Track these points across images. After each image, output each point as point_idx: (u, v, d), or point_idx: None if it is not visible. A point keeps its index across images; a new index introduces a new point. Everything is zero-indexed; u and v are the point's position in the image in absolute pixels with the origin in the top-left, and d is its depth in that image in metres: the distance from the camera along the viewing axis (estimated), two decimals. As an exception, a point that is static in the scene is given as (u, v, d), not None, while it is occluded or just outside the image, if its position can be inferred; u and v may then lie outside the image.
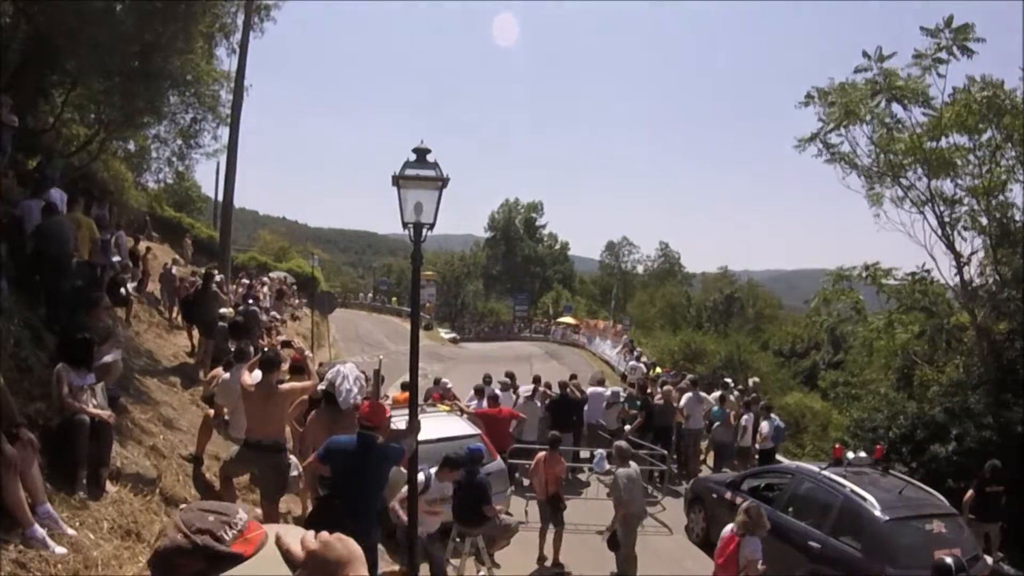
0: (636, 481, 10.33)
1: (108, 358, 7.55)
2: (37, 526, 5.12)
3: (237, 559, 1.73)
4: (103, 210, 16.12)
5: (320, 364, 13.38)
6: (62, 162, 15.29)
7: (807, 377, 42.28)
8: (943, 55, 16.21)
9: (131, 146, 24.02)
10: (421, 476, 7.76)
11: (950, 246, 17.06)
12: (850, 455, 10.81)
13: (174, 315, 17.45)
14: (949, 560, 7.55)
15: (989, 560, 10.03)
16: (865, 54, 17.20)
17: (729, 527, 7.84)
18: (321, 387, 8.58)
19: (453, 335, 57.82)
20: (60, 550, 5.11)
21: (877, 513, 8.92)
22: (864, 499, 9.20)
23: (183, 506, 1.84)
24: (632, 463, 10.53)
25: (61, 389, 6.47)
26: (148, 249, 20.87)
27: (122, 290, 13.21)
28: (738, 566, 7.44)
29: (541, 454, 11.16)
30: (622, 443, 10.97)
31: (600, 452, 13.01)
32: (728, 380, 21.51)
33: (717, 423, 16.40)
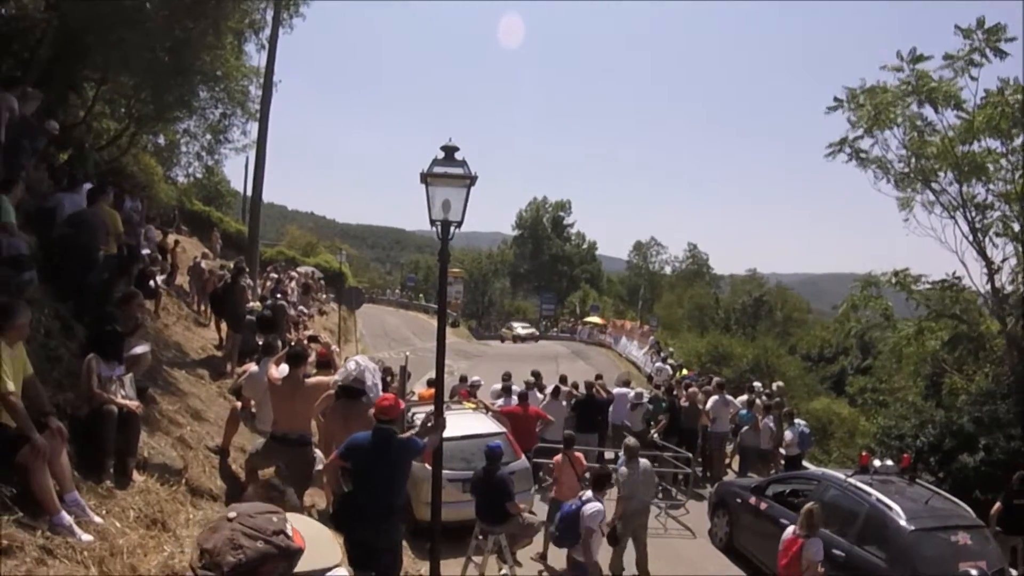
0: (639, 477, 10.39)
1: (137, 350, 7.60)
2: (64, 513, 5.15)
3: (300, 552, 1.88)
4: (136, 202, 16.27)
5: (346, 359, 13.44)
6: (94, 156, 15.45)
7: (835, 382, 42.00)
8: (976, 57, 16.03)
9: (161, 140, 24.21)
10: (599, 507, 8.22)
11: (981, 252, 16.87)
12: (877, 463, 10.66)
13: (202, 308, 17.56)
14: (974, 572, 7.47)
15: (1015, 573, 9.91)
16: (899, 55, 17.04)
17: (791, 529, 7.81)
18: (337, 379, 8.60)
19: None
20: (86, 537, 5.14)
21: (902, 523, 8.81)
22: (890, 508, 9.08)
23: (233, 515, 1.85)
24: (642, 460, 10.63)
25: (91, 380, 6.51)
26: (177, 243, 21.05)
27: (151, 283, 13.30)
28: (800, 567, 7.39)
29: (558, 457, 11.09)
30: (630, 440, 11.05)
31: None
32: (756, 384, 21.34)
33: (745, 427, 16.24)
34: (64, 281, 9.09)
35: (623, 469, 10.42)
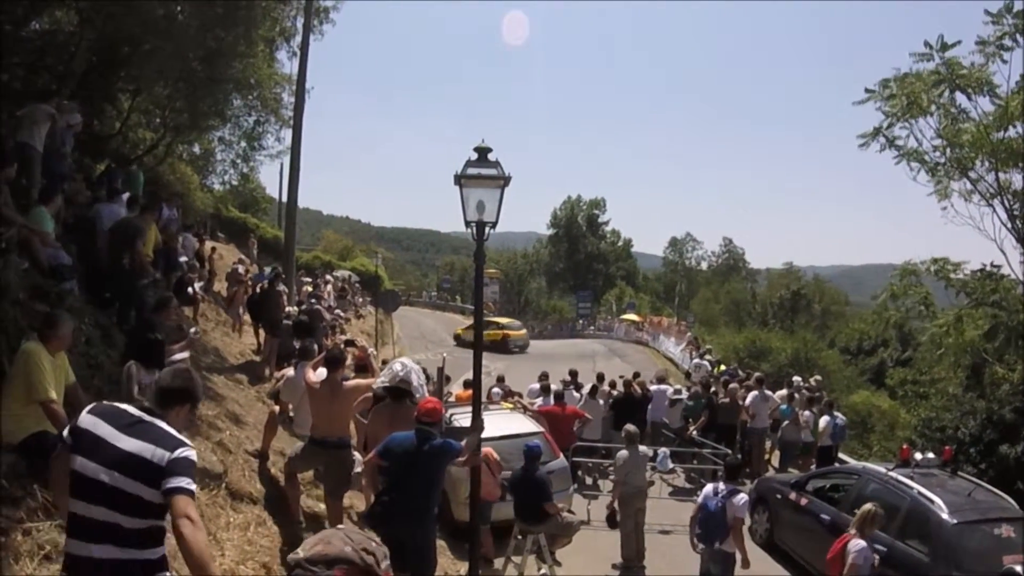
0: (636, 462, 10.61)
1: (178, 357, 7.69)
2: (105, 519, 5.21)
3: None
4: (172, 211, 16.46)
5: (384, 362, 13.48)
6: (143, 177, 15.65)
7: (875, 375, 41.45)
8: (1007, 41, 15.79)
9: (196, 149, 24.56)
10: (746, 496, 8.43)
11: (1020, 240, 16.55)
12: (918, 456, 10.50)
13: (239, 313, 17.61)
14: (1020, 568, 7.29)
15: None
16: (927, 44, 16.81)
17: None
18: (382, 381, 8.62)
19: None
20: (128, 543, 5.19)
21: (945, 516, 8.64)
22: (932, 502, 8.91)
23: (342, 527, 2.11)
24: (641, 447, 10.98)
25: (131, 386, 6.59)
26: (213, 249, 21.24)
27: (189, 290, 13.47)
28: (843, 565, 7.26)
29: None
30: (630, 426, 11.07)
31: (664, 451, 12.90)
32: (796, 378, 21.08)
33: (785, 422, 16.06)
34: (107, 289, 9.21)
35: (622, 453, 10.58)
